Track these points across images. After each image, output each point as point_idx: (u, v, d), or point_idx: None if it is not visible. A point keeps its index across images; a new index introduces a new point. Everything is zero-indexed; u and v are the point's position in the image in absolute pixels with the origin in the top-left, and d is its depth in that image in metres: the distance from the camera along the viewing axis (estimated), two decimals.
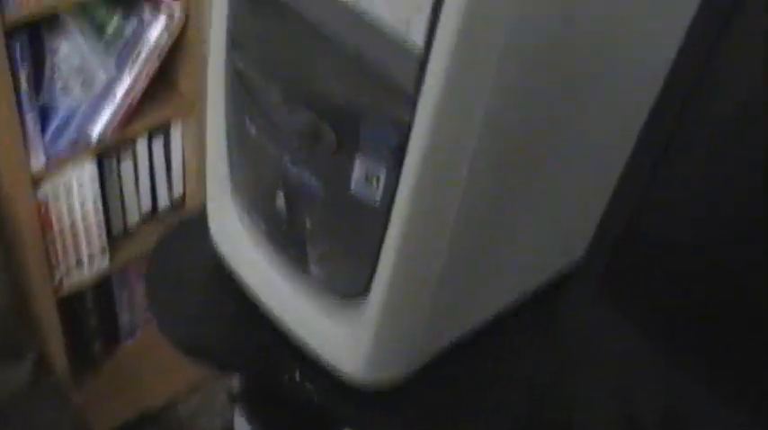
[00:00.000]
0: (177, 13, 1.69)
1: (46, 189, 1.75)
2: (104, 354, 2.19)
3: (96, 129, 1.73)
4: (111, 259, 1.95)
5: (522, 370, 1.03)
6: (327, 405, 1.01)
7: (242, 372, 1.12)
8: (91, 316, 2.09)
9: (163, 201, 2.02)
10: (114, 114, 1.72)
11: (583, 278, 0.98)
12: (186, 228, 1.22)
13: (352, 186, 0.83)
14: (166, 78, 1.84)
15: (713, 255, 0.84)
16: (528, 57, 0.78)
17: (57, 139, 1.69)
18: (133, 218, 1.99)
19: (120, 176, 1.90)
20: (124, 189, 1.93)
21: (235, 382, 1.19)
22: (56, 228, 1.81)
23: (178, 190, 2.03)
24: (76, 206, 1.81)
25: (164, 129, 1.92)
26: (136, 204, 1.97)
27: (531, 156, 0.89)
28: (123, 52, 1.68)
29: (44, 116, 1.67)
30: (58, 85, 1.66)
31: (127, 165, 1.90)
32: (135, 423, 2.12)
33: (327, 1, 0.79)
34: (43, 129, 1.67)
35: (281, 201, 0.92)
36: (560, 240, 1.04)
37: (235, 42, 0.92)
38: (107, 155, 1.84)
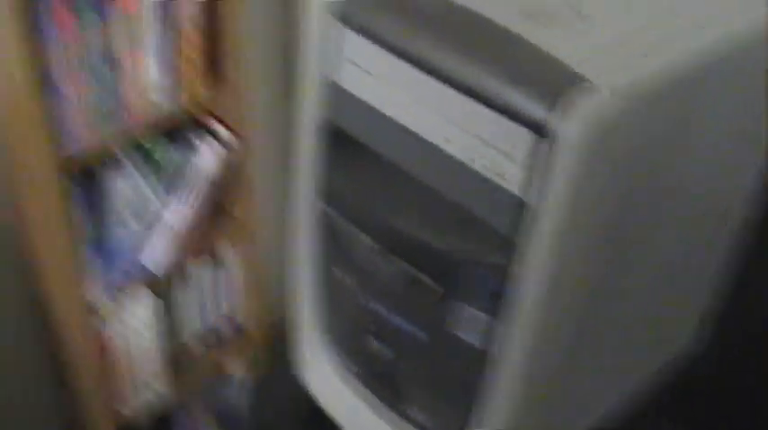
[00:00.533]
0: (229, 142, 1.72)
1: (102, 319, 1.76)
2: None
3: (150, 259, 1.75)
4: (168, 387, 1.94)
5: None
6: None
7: None
8: None
9: (219, 327, 2.02)
10: (168, 243, 1.74)
11: None
12: (279, 373, 1.23)
13: (453, 331, 0.84)
14: (220, 205, 1.86)
15: None
16: (628, 189, 0.78)
17: (111, 270, 1.71)
18: (191, 344, 1.99)
19: (174, 304, 1.91)
20: (181, 316, 1.94)
21: None
22: (112, 357, 1.82)
23: (237, 316, 2.04)
24: (132, 335, 1.82)
25: (217, 256, 1.93)
26: (190, 331, 1.98)
27: (626, 275, 0.88)
28: (177, 184, 1.71)
29: (99, 247, 1.69)
30: (113, 217, 1.69)
31: (181, 293, 1.91)
32: None
33: (421, 149, 0.80)
34: (99, 261, 1.69)
35: (374, 345, 0.92)
36: (655, 347, 1.02)
37: (324, 192, 0.93)
38: (161, 282, 1.86)
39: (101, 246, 1.70)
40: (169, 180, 1.71)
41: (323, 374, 1.05)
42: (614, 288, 0.88)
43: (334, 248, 0.95)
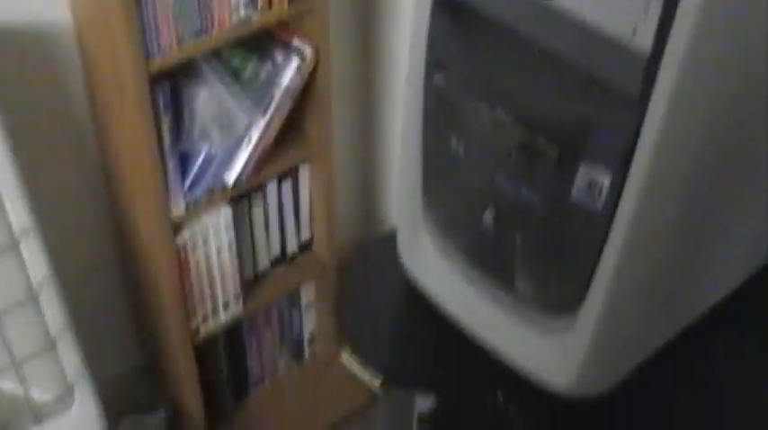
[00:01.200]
0: (308, 56, 1.71)
1: (184, 235, 1.77)
2: (235, 403, 2.19)
3: (232, 175, 1.75)
4: (244, 305, 1.96)
5: (737, 371, 1.00)
6: (533, 423, 0.99)
7: (439, 395, 1.11)
8: (222, 364, 2.10)
9: (291, 245, 2.03)
10: (249, 159, 1.74)
11: None
12: (372, 252, 1.23)
13: (573, 195, 0.83)
14: (294, 123, 1.86)
15: None
16: (752, 53, 0.77)
17: (195, 186, 1.72)
18: (263, 262, 2.00)
19: (251, 221, 1.92)
20: (255, 233, 1.94)
21: (422, 405, 1.18)
22: (193, 274, 1.83)
23: (305, 234, 2.04)
24: (213, 252, 1.83)
25: (292, 174, 1.93)
26: (266, 248, 1.99)
27: (744, 149, 0.88)
28: (259, 96, 1.70)
29: (183, 163, 1.69)
30: (197, 131, 1.69)
31: (258, 210, 1.92)
32: None
33: (542, 12, 0.79)
34: (182, 176, 1.69)
35: (489, 217, 0.92)
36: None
37: (437, 63, 0.92)
38: (239, 200, 1.86)
39: (185, 160, 1.70)
40: (252, 94, 1.70)
41: (426, 257, 1.05)
42: (731, 165, 0.88)
43: (447, 120, 0.94)
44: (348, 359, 2.26)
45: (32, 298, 1.47)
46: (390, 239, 1.19)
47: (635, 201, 0.80)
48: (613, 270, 0.84)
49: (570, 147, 0.82)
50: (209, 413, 2.09)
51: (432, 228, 1.03)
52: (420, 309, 1.05)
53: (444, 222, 1.01)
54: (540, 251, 0.92)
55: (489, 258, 0.97)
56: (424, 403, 1.18)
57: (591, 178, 0.82)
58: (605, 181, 0.81)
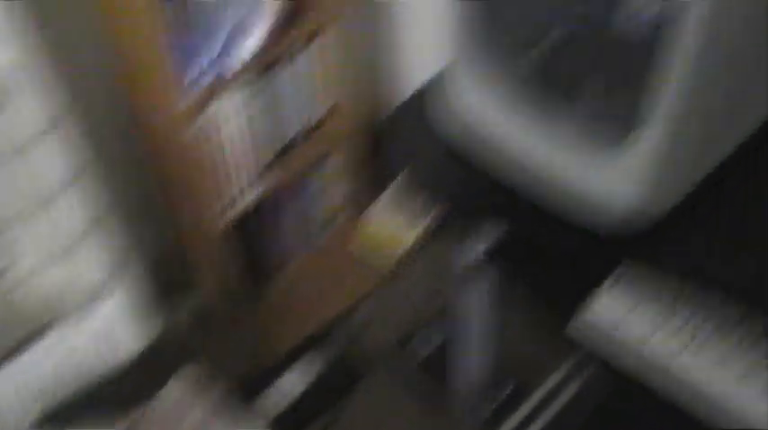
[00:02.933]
0: None
1: (200, 119, 1.72)
2: (270, 275, 2.19)
3: (249, 46, 1.69)
4: (267, 180, 1.92)
5: None
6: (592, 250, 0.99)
7: (496, 227, 1.10)
8: (256, 240, 2.09)
9: (317, 113, 1.99)
10: (265, 26, 1.68)
11: None
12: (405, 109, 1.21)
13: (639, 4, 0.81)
14: None
15: None
16: None
17: (208, 64, 1.66)
18: (290, 132, 1.96)
19: (271, 93, 1.87)
20: (276, 104, 1.90)
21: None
22: (211, 159, 1.79)
23: (330, 101, 1.99)
24: (233, 131, 1.79)
25: (311, 43, 1.87)
26: (291, 118, 1.94)
27: None
28: None
29: (194, 36, 1.63)
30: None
31: (278, 80, 1.86)
32: (310, 339, 2.12)
33: None
34: (204, 51, 1.64)
35: (555, 34, 0.90)
36: None
37: None
38: (259, 71, 1.81)
39: (198, 32, 1.63)
40: None
41: (476, 93, 1.03)
42: None
43: None
44: (361, 244, 2.23)
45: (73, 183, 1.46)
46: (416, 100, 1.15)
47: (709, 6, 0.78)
48: (672, 87, 0.82)
49: None
50: (238, 294, 2.09)
51: (486, 63, 1.00)
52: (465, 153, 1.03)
53: (505, 49, 0.98)
54: (607, 67, 0.90)
55: (550, 81, 0.95)
56: (491, 232, 1.15)
57: None
58: None
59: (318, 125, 2.01)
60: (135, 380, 1.77)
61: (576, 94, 0.94)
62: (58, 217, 1.53)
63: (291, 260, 2.22)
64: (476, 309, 1.30)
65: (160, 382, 1.71)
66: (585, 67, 0.92)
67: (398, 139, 1.20)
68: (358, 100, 2.00)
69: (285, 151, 1.98)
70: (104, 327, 1.73)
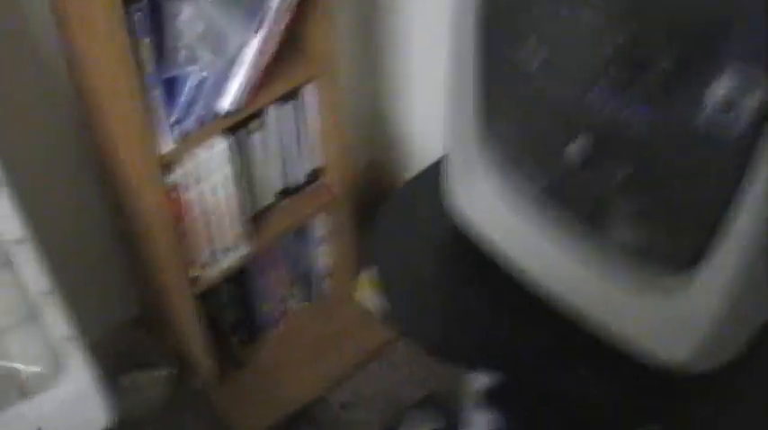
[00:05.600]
0: None
1: (176, 173, 1.55)
2: (245, 349, 2.00)
3: (227, 100, 1.52)
4: (247, 246, 1.75)
5: None
6: (627, 401, 0.79)
7: (507, 373, 0.90)
8: (229, 309, 1.90)
9: (298, 176, 1.81)
10: (246, 81, 1.51)
11: None
12: (408, 191, 1.01)
13: (702, 118, 0.61)
14: (294, 38, 1.62)
15: None
16: None
17: (185, 117, 1.49)
18: (267, 197, 1.79)
19: (251, 152, 1.69)
20: (257, 166, 1.72)
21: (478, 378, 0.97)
22: (189, 216, 1.62)
23: (313, 163, 1.82)
24: (209, 189, 1.61)
25: (294, 97, 1.70)
26: (269, 181, 1.77)
27: None
28: (251, 9, 1.46)
29: (169, 91, 1.46)
30: (182, 54, 1.45)
31: (258, 139, 1.69)
32: (285, 421, 1.93)
33: None
34: (169, 106, 1.46)
35: (579, 146, 0.70)
36: None
37: None
38: (236, 130, 1.63)
39: (171, 88, 1.46)
40: (244, 7, 1.46)
41: (484, 198, 0.84)
42: None
43: (516, 21, 0.71)
44: (363, 293, 2.07)
45: (8, 261, 1.27)
46: (430, 175, 0.96)
47: None
48: (752, 216, 0.62)
49: (694, 58, 0.59)
50: (218, 362, 1.90)
51: (493, 161, 0.80)
52: (479, 268, 0.83)
53: (512, 155, 0.78)
54: (650, 190, 0.69)
55: (575, 200, 0.75)
56: (481, 381, 0.97)
57: (728, 93, 0.59)
58: (748, 98, 0.58)
59: (300, 187, 1.83)
60: None
61: (606, 219, 0.74)
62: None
63: (271, 331, 2.02)
64: None
65: None
66: (621, 188, 0.72)
67: (402, 226, 1.01)
68: (347, 161, 1.82)
69: (268, 211, 1.81)
70: (65, 406, 1.54)
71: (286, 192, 1.83)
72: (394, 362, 2.02)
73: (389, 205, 1.02)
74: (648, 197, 0.69)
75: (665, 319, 0.73)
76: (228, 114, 1.54)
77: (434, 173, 0.95)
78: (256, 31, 1.48)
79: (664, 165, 0.67)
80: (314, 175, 1.85)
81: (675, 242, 0.69)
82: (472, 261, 0.85)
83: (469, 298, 0.87)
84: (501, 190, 0.82)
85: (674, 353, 0.73)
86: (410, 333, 0.86)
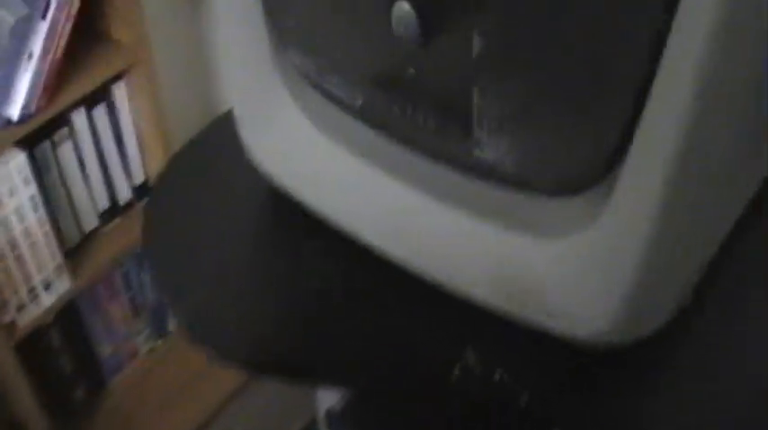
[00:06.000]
0: None
1: None
2: (89, 401, 1.73)
3: (17, 105, 1.27)
4: (72, 279, 1.49)
5: None
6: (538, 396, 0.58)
7: (363, 383, 0.67)
8: (61, 356, 1.63)
9: (125, 191, 1.57)
10: (36, 76, 1.27)
11: None
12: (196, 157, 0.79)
13: None
14: (95, 27, 1.38)
15: None
16: None
17: None
18: (91, 219, 1.53)
19: (62, 167, 1.44)
20: (72, 182, 1.47)
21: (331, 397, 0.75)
22: None
23: (138, 174, 1.58)
24: (13, 214, 1.35)
25: (104, 95, 1.46)
26: (89, 201, 1.52)
27: None
28: None
29: None
30: None
31: (68, 150, 1.44)
32: None
33: None
34: None
35: (405, 10, 0.48)
36: None
37: None
38: (39, 142, 1.38)
39: None
40: None
41: (293, 135, 0.62)
42: None
43: None
44: None
45: None
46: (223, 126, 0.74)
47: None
48: (693, 71, 0.43)
49: None
50: (60, 419, 1.63)
51: (289, 81, 0.58)
52: (293, 235, 0.61)
53: (315, 61, 0.56)
54: (527, 61, 0.49)
55: (417, 105, 0.54)
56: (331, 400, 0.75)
57: None
58: None
59: (137, 199, 1.59)
60: None
61: (473, 124, 0.53)
62: None
63: (118, 376, 1.76)
64: None
65: None
66: (491, 73, 0.51)
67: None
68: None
69: (92, 236, 1.56)
70: None
71: (114, 212, 1.58)
72: (265, 396, 1.79)
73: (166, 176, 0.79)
74: (527, 74, 0.48)
75: (575, 270, 0.52)
76: (22, 121, 1.29)
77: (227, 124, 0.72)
78: (42, 16, 1.24)
79: (546, 11, 0.46)
80: (144, 189, 1.60)
81: (578, 141, 0.49)
82: (294, 230, 0.63)
83: (297, 283, 0.64)
84: (309, 121, 0.60)
85: (591, 321, 0.52)
86: (212, 343, 0.63)
